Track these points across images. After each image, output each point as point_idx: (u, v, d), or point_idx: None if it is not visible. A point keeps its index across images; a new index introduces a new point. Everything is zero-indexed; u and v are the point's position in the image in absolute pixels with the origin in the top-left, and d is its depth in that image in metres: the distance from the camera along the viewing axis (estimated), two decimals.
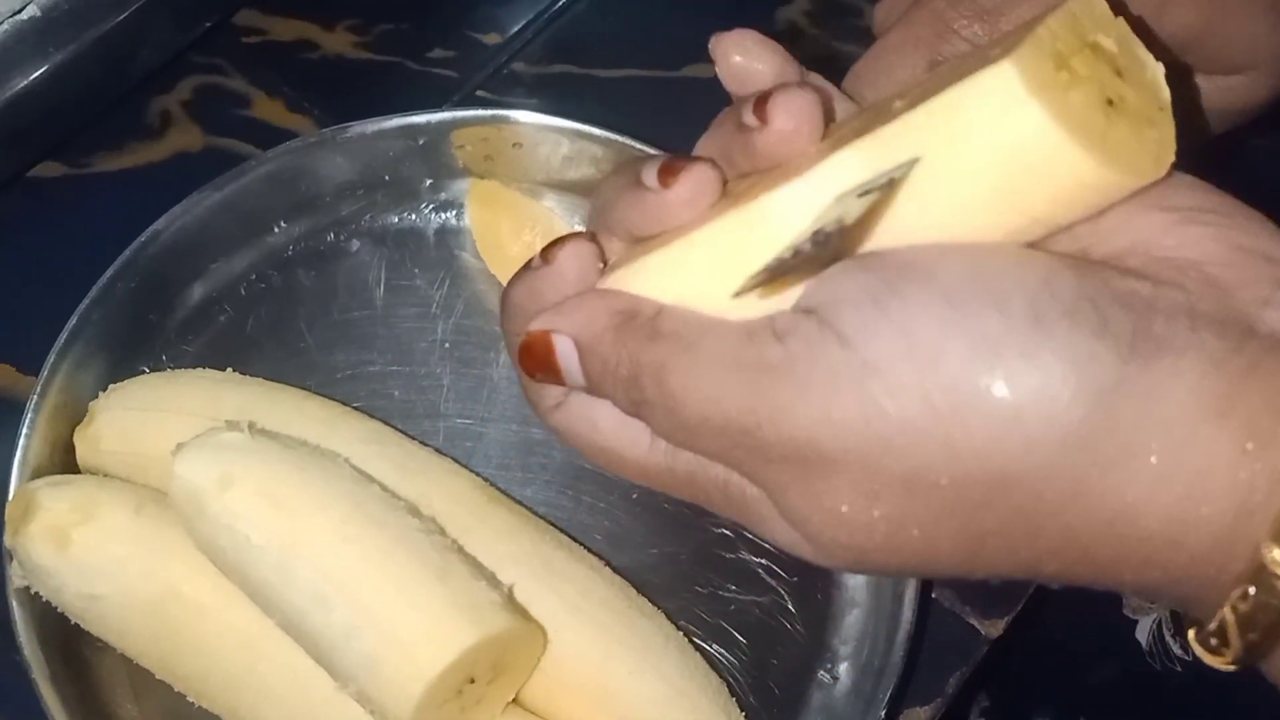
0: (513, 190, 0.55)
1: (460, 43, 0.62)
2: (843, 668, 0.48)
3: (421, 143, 0.53)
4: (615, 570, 0.47)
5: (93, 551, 0.42)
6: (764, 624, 0.48)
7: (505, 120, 0.53)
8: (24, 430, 0.46)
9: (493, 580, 0.42)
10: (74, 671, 0.45)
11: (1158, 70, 0.29)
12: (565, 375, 0.33)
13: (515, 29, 0.62)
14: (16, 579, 0.43)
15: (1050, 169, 0.27)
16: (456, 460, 0.49)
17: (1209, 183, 0.30)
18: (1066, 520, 0.27)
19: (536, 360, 0.33)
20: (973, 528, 0.28)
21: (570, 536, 0.48)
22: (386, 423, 0.49)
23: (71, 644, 0.45)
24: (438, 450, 0.49)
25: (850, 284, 0.28)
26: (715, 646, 0.48)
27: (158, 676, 0.44)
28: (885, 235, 0.29)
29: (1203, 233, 0.28)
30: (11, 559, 0.43)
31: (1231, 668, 0.28)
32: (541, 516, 0.48)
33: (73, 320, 0.48)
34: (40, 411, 0.46)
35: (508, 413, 0.51)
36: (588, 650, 0.43)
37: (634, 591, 0.46)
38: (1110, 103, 0.28)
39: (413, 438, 0.49)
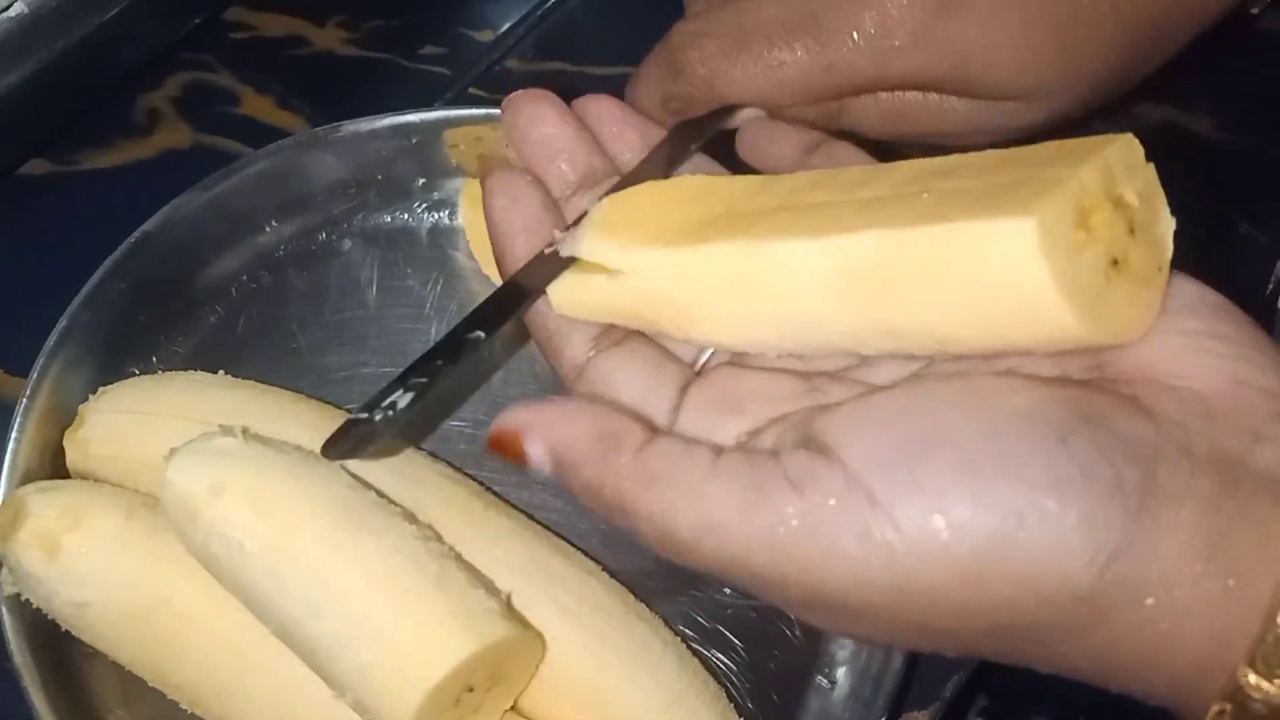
0: None
1: (452, 40, 0.61)
2: (840, 673, 0.48)
3: (414, 141, 0.53)
4: (611, 575, 0.47)
5: (83, 558, 0.42)
6: (761, 629, 0.48)
7: (499, 119, 0.52)
8: (13, 434, 0.45)
9: (490, 587, 0.42)
10: (65, 679, 0.44)
11: (1169, 225, 0.31)
12: (537, 470, 0.32)
13: (507, 26, 0.62)
14: (6, 586, 0.43)
15: (1040, 320, 0.29)
16: (452, 464, 0.49)
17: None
18: (1060, 652, 0.30)
19: (505, 450, 0.32)
20: (971, 649, 0.31)
21: (566, 541, 0.48)
22: None
23: (62, 651, 0.44)
24: (432, 454, 0.49)
25: (878, 439, 0.29)
26: (712, 651, 0.48)
27: (149, 684, 0.44)
28: (878, 325, 0.31)
29: (1207, 364, 0.29)
30: (1, 566, 0.43)
31: None
32: (537, 521, 0.48)
33: (62, 322, 0.47)
34: (30, 414, 0.46)
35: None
36: (585, 657, 0.43)
37: (631, 596, 0.46)
38: (1115, 263, 0.29)
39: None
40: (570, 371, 0.35)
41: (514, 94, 0.39)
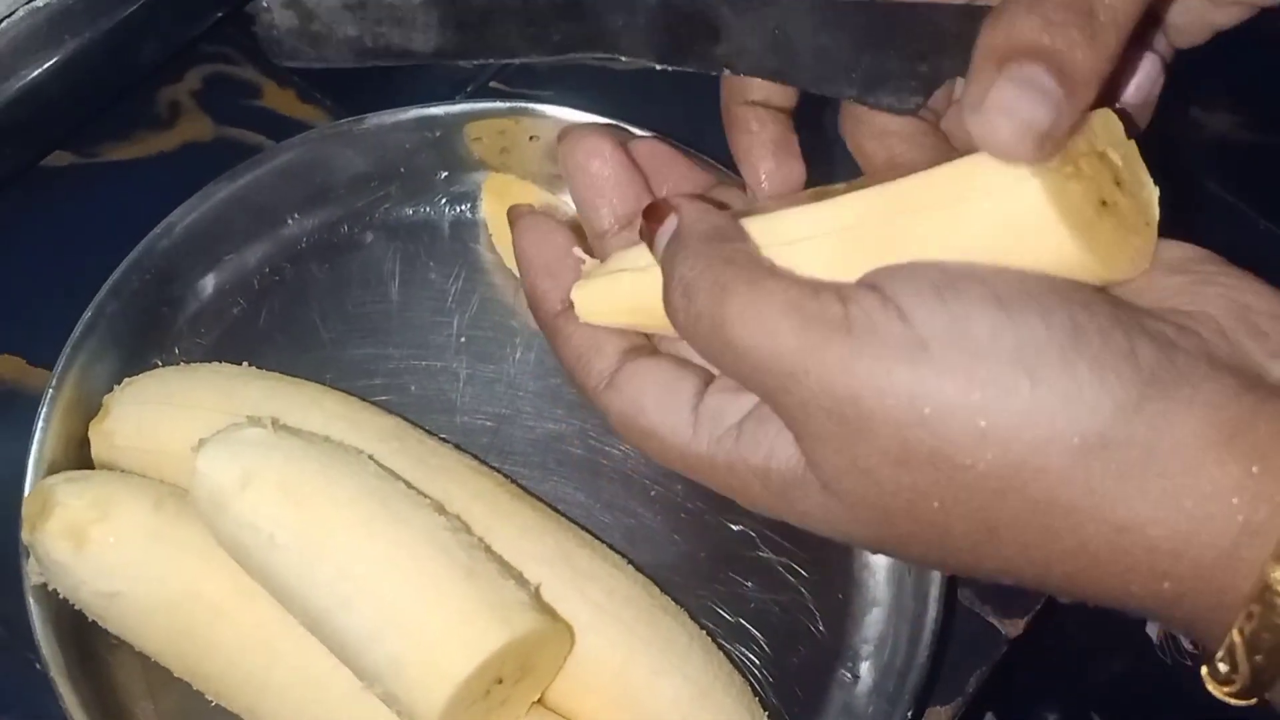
0: (528, 183, 0.54)
1: None
2: (864, 667, 0.48)
3: (437, 135, 0.53)
4: (635, 568, 0.47)
5: (111, 549, 0.42)
6: (784, 623, 0.48)
7: (524, 113, 0.52)
8: (39, 425, 0.45)
9: (520, 579, 0.42)
10: (90, 669, 0.44)
11: (1154, 192, 0.33)
12: (655, 245, 0.35)
13: None
14: (34, 576, 0.43)
15: (1037, 243, 0.30)
16: (475, 456, 0.49)
17: None
18: (1078, 520, 0.29)
19: (648, 220, 0.36)
20: (989, 513, 0.30)
21: (590, 534, 0.48)
22: (403, 418, 0.49)
23: (87, 642, 0.44)
24: (456, 446, 0.49)
25: (916, 273, 0.30)
26: (736, 646, 0.48)
27: (175, 675, 0.44)
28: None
29: (1215, 292, 0.31)
30: (28, 556, 0.43)
31: (1241, 701, 0.29)
32: (561, 514, 0.48)
33: (87, 313, 0.47)
34: (55, 406, 0.46)
35: (525, 408, 0.51)
36: (612, 650, 0.43)
37: (656, 590, 0.46)
38: (1104, 203, 0.31)
39: (431, 433, 0.49)
40: (599, 382, 0.37)
41: (574, 126, 0.41)
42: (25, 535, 0.42)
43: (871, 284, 0.31)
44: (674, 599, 0.47)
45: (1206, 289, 0.31)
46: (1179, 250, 0.32)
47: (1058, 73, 0.30)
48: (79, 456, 0.47)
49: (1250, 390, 0.28)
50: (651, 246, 0.35)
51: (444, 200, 0.55)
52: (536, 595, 0.42)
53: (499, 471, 0.49)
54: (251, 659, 0.42)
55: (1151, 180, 0.33)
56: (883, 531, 0.32)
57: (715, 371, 0.36)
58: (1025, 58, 0.30)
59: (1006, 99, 0.30)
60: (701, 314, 0.32)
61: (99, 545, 0.42)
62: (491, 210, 0.54)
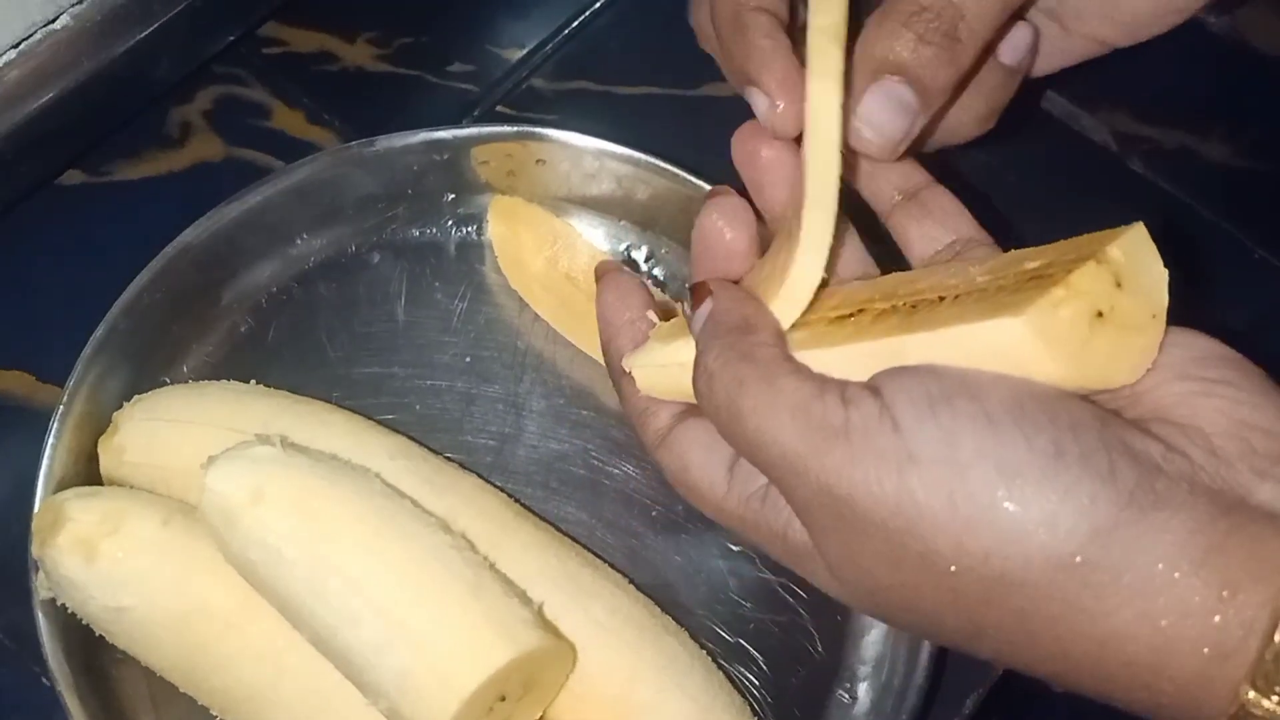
0: (534, 206, 0.55)
1: (480, 57, 0.62)
2: (862, 688, 0.48)
3: (445, 157, 0.53)
4: (637, 588, 0.47)
5: (120, 563, 0.42)
6: (783, 643, 0.49)
7: (530, 136, 0.53)
8: (49, 440, 0.46)
9: (524, 597, 0.42)
10: (96, 684, 0.45)
11: (1163, 276, 0.33)
12: (694, 322, 0.37)
13: (534, 44, 0.62)
14: (43, 590, 0.43)
15: (1034, 371, 0.31)
16: (479, 475, 0.49)
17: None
18: (1059, 633, 0.30)
19: (694, 296, 0.38)
20: (975, 617, 0.32)
21: (593, 553, 0.48)
22: (409, 436, 0.49)
23: (94, 656, 0.45)
24: (461, 465, 0.49)
25: (914, 382, 0.32)
26: (735, 665, 0.48)
27: (181, 690, 0.44)
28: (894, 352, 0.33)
29: (1213, 405, 0.31)
30: (38, 570, 0.43)
31: None
32: (564, 533, 0.49)
33: (99, 331, 0.48)
34: (65, 422, 0.46)
35: (529, 428, 0.52)
36: (615, 668, 0.43)
37: (658, 609, 0.47)
38: (1099, 314, 0.31)
39: (436, 453, 0.49)
40: (655, 440, 0.39)
41: (720, 190, 0.41)
42: (35, 550, 0.43)
43: (875, 387, 0.32)
44: (675, 618, 0.47)
45: (1205, 401, 0.31)
46: (1189, 349, 0.33)
47: (919, 88, 0.38)
48: (88, 472, 0.47)
49: (1227, 515, 0.29)
50: (690, 325, 0.38)
51: (451, 222, 0.55)
52: (540, 613, 0.42)
53: (503, 490, 0.49)
54: (258, 674, 0.43)
55: (1161, 263, 0.33)
56: (883, 614, 0.35)
57: None
58: (892, 73, 0.38)
59: (872, 110, 0.38)
60: (720, 405, 0.34)
61: (108, 560, 0.42)
62: (497, 232, 0.55)
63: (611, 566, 0.48)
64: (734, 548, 0.50)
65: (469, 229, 0.55)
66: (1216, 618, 0.29)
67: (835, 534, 0.33)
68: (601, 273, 0.44)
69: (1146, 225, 0.33)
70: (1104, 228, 0.61)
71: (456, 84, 0.61)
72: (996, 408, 0.31)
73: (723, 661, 0.48)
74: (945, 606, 0.32)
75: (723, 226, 0.40)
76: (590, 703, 0.43)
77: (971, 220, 0.40)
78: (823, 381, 0.33)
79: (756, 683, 0.48)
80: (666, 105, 0.62)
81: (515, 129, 0.53)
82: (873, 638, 0.49)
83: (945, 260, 0.39)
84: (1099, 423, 0.31)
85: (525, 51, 0.62)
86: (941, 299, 0.34)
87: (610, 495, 0.50)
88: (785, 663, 0.48)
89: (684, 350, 0.38)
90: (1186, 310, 0.33)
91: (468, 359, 0.53)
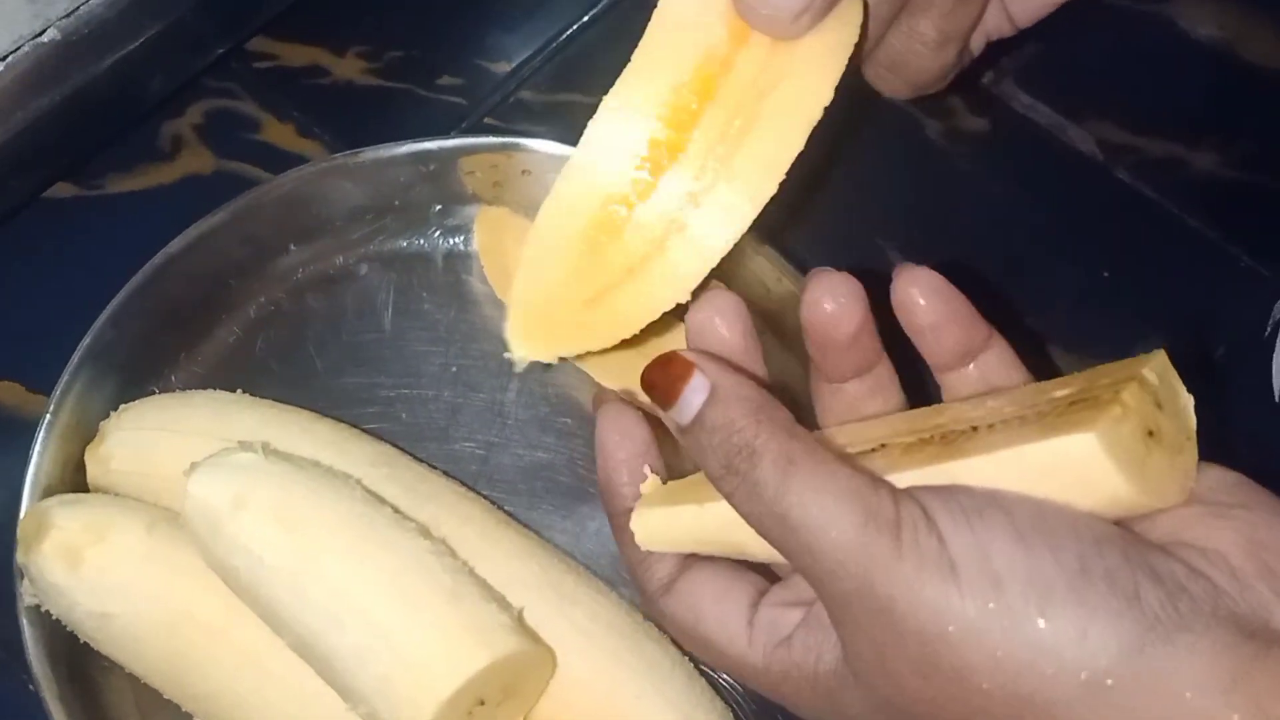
0: (520, 217, 0.55)
1: (469, 70, 0.62)
2: None
3: (431, 169, 0.54)
4: (621, 595, 0.48)
5: (104, 571, 0.43)
6: None
7: (516, 148, 0.53)
8: (36, 448, 0.46)
9: (503, 602, 0.42)
10: (81, 691, 0.45)
11: (1189, 401, 0.34)
12: (678, 405, 0.35)
13: (523, 57, 0.63)
14: (28, 597, 0.44)
15: (1096, 491, 0.31)
16: (464, 483, 0.49)
17: None
18: None
19: (664, 376, 0.35)
20: None
21: (576, 560, 0.48)
22: (395, 445, 0.50)
23: (79, 664, 0.45)
24: (446, 474, 0.49)
25: (948, 496, 0.32)
26: (718, 672, 0.48)
27: (166, 696, 0.45)
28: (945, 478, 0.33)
29: (1230, 527, 0.32)
30: (22, 577, 0.44)
31: None
32: (548, 540, 0.49)
33: (85, 340, 0.48)
34: (52, 431, 0.47)
35: (514, 437, 0.52)
36: (595, 674, 0.44)
37: (640, 616, 0.47)
38: (1150, 433, 0.32)
39: (421, 461, 0.49)
40: (659, 588, 0.38)
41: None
42: (20, 557, 0.43)
43: (915, 497, 0.32)
44: (658, 625, 0.47)
45: (1221, 523, 0.32)
46: (1207, 479, 0.33)
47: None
48: (75, 481, 0.48)
49: (1250, 639, 0.29)
50: (669, 403, 0.35)
51: (438, 233, 0.56)
52: (520, 619, 0.43)
53: (488, 498, 0.49)
54: (241, 680, 0.43)
55: (1184, 388, 0.34)
56: None
57: (773, 574, 0.38)
58: None
59: None
60: (763, 483, 0.33)
61: (92, 567, 0.42)
62: (484, 243, 0.55)
63: (594, 573, 0.48)
64: None
65: (456, 240, 0.56)
66: None
67: (869, 636, 0.32)
68: (599, 403, 0.42)
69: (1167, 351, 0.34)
70: (1091, 237, 0.62)
71: (446, 97, 0.62)
72: (1023, 521, 0.31)
73: (707, 668, 0.48)
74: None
75: (719, 323, 0.39)
76: (571, 708, 0.44)
77: (1022, 370, 0.39)
78: (874, 477, 0.33)
79: (740, 689, 0.48)
80: None
81: (500, 140, 0.53)
82: None
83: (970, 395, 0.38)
84: (1122, 541, 0.31)
85: (514, 65, 0.63)
86: (975, 429, 0.34)
87: (594, 502, 0.51)
88: None
89: (699, 486, 0.37)
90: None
91: (454, 368, 0.53)
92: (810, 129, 0.38)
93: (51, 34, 0.47)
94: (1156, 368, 0.33)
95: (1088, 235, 0.61)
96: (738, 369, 0.36)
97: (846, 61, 0.38)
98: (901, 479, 0.33)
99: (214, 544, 0.41)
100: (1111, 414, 0.31)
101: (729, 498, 0.34)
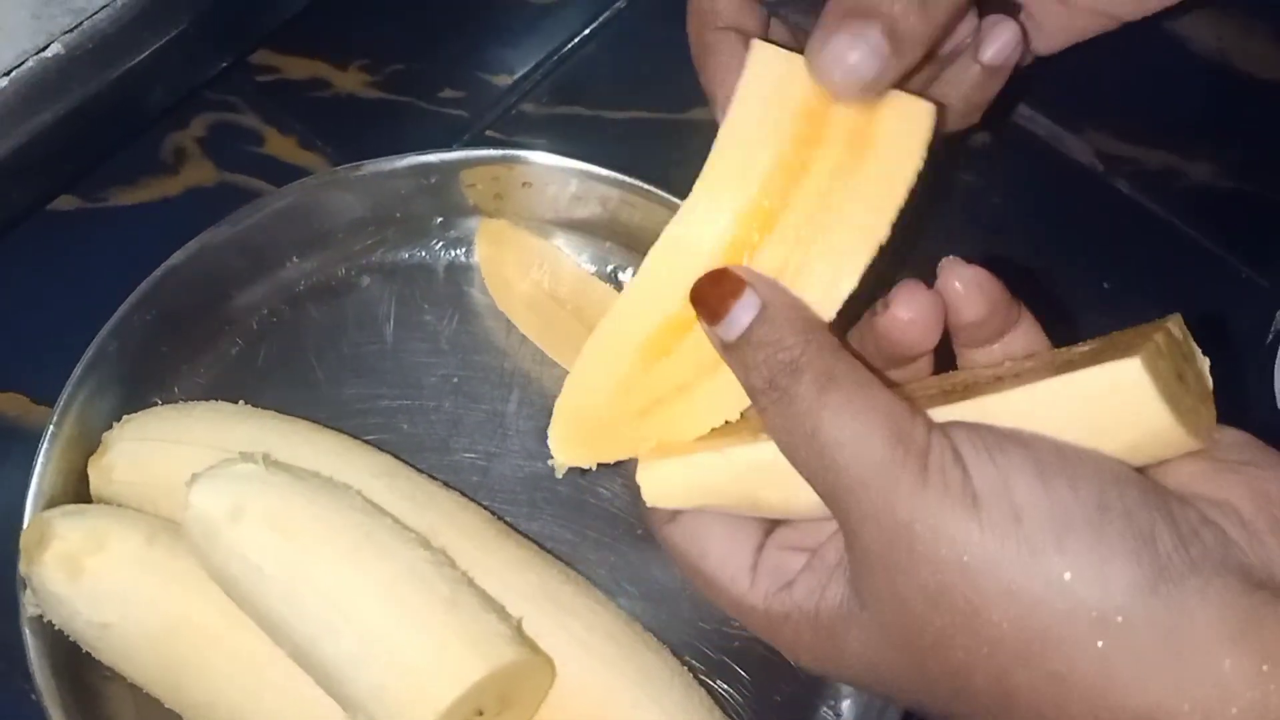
0: (521, 229, 0.55)
1: (470, 83, 0.63)
2: (845, 705, 0.48)
3: (433, 181, 0.54)
4: (619, 605, 0.48)
5: (105, 580, 0.43)
6: (767, 660, 0.49)
7: (516, 160, 0.54)
8: (39, 460, 0.47)
9: (502, 612, 0.42)
10: (83, 701, 0.45)
11: (1205, 362, 0.35)
12: (727, 319, 0.35)
13: (524, 70, 0.63)
14: (30, 607, 0.44)
15: (1136, 418, 0.32)
16: (464, 494, 0.50)
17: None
18: (1092, 700, 0.30)
19: (713, 292, 0.35)
20: (1008, 676, 0.31)
21: (576, 571, 0.48)
22: (396, 456, 0.50)
23: (81, 673, 0.45)
24: (446, 484, 0.50)
25: (972, 430, 0.32)
26: (719, 683, 0.48)
27: (167, 705, 0.45)
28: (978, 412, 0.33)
29: (1239, 480, 0.32)
30: (25, 587, 0.44)
31: None
32: (548, 550, 0.49)
33: (89, 352, 0.48)
34: (56, 441, 0.47)
35: (514, 448, 0.52)
36: (593, 684, 0.44)
37: (639, 626, 0.47)
38: (1180, 377, 0.33)
39: (421, 471, 0.50)
40: (665, 515, 0.38)
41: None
42: (23, 567, 0.44)
43: (943, 430, 0.32)
44: (658, 636, 0.47)
45: (1233, 477, 0.32)
46: (1218, 437, 0.34)
47: (889, 33, 0.36)
48: (78, 491, 0.48)
49: (1258, 589, 0.30)
50: (717, 318, 0.35)
51: (439, 244, 0.56)
52: (519, 629, 0.43)
53: (488, 509, 0.50)
54: (240, 688, 0.43)
55: (1200, 352, 0.35)
56: (910, 670, 0.33)
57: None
58: (864, 17, 0.36)
59: (840, 48, 0.36)
60: (801, 396, 0.33)
61: (93, 577, 0.43)
62: (485, 254, 0.55)
63: (594, 584, 0.48)
64: None
65: (458, 251, 0.56)
66: (1257, 691, 0.29)
67: (881, 559, 0.32)
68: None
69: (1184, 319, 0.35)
70: (1090, 248, 0.62)
71: (447, 110, 0.62)
72: (1045, 458, 0.31)
73: (706, 678, 0.48)
74: (978, 660, 0.31)
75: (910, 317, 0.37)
76: (569, 718, 0.44)
77: (1046, 345, 0.39)
78: (911, 404, 0.33)
79: (741, 700, 0.48)
80: (655, 128, 0.63)
81: (501, 152, 0.54)
82: None
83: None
84: (1140, 483, 0.31)
85: (515, 78, 0.63)
86: (999, 379, 0.34)
87: (594, 513, 0.51)
88: (769, 680, 0.49)
89: (705, 462, 0.37)
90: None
91: (455, 380, 0.53)
92: (871, 260, 0.37)
93: (55, 48, 0.48)
94: (1177, 326, 0.34)
95: (1087, 246, 0.61)
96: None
97: (907, 191, 0.37)
98: (939, 415, 0.33)
99: (213, 554, 0.41)
100: (1150, 348, 0.31)
101: (763, 413, 0.34)
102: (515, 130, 0.62)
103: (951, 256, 0.37)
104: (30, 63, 0.47)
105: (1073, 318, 0.58)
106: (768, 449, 0.34)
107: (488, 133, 0.61)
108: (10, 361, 0.54)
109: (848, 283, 0.36)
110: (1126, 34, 0.66)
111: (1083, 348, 0.35)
